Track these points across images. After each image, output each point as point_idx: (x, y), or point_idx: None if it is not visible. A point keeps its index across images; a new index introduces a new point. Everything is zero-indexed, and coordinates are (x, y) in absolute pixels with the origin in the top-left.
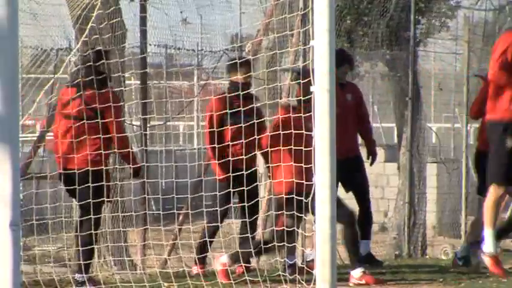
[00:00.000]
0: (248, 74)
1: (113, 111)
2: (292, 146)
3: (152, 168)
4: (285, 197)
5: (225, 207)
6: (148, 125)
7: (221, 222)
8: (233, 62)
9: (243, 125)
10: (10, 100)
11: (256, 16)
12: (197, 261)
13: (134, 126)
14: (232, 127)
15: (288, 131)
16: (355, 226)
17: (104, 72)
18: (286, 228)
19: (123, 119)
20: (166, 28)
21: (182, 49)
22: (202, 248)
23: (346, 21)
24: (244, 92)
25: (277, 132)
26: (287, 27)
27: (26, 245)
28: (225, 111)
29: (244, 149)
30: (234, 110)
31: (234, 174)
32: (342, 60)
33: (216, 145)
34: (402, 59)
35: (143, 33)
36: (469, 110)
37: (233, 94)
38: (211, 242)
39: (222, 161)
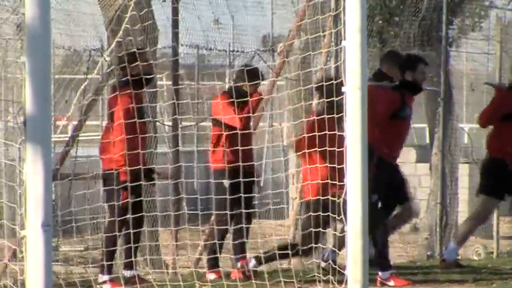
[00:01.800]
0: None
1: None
2: (317, 148)
3: (184, 169)
4: (312, 199)
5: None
6: (180, 126)
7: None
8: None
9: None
10: (42, 100)
11: (287, 17)
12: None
13: (166, 127)
14: None
15: (320, 134)
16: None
17: (139, 74)
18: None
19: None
20: (199, 29)
21: (214, 49)
22: (212, 252)
23: (378, 22)
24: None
25: (311, 134)
26: (319, 27)
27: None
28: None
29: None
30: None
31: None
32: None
33: None
34: (434, 60)
35: (175, 35)
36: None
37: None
38: (221, 244)
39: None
